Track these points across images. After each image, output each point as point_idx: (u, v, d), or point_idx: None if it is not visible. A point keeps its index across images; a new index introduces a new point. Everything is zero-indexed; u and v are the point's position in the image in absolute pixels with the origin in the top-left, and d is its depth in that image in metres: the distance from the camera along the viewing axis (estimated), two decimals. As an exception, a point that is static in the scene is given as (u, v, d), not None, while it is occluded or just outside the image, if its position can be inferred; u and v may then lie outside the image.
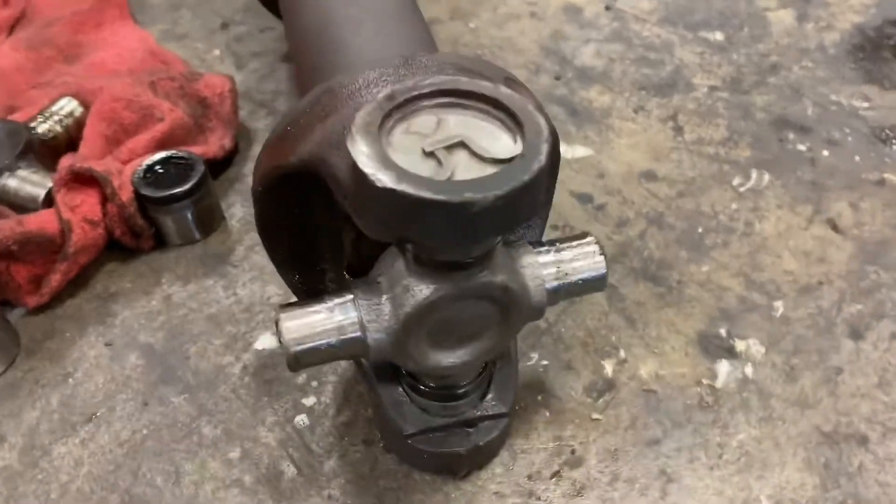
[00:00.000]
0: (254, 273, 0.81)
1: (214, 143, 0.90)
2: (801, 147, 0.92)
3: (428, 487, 0.64)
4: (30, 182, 0.80)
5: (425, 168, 0.45)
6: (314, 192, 0.60)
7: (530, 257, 0.57)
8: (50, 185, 0.79)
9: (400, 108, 0.48)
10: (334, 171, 0.49)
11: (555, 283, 0.57)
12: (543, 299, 0.56)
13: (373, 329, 0.53)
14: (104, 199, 0.79)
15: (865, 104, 0.98)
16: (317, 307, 0.54)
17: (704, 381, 0.70)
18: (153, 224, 0.82)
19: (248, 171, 0.92)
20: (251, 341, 0.74)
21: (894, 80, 1.02)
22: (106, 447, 0.67)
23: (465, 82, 0.49)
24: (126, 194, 0.78)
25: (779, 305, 0.76)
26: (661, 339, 0.73)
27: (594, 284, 0.59)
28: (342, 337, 0.53)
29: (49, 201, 0.79)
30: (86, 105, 0.89)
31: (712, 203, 0.86)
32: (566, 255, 0.58)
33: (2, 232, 0.72)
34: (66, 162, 0.86)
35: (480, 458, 0.64)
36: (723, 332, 0.74)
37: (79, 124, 0.88)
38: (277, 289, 0.78)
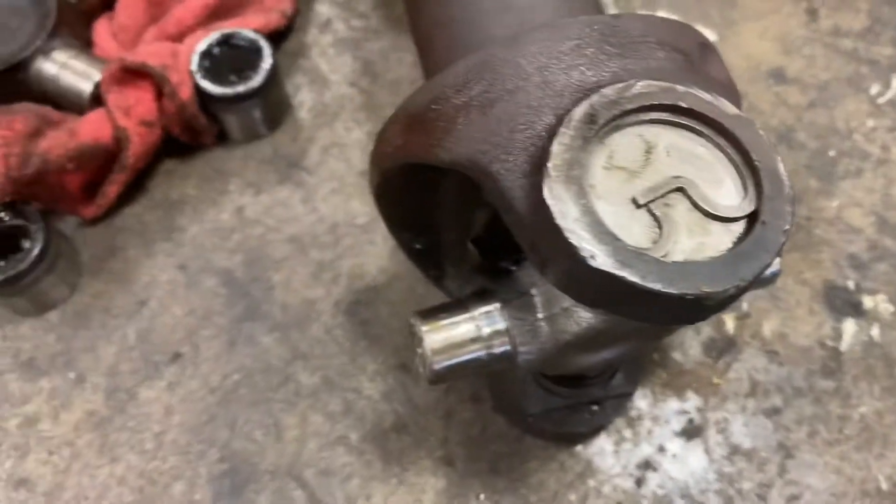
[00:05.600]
0: (333, 184, 0.72)
1: (273, 11, 0.76)
2: (952, 46, 0.80)
3: (542, 453, 0.62)
4: (72, 70, 0.68)
5: (640, 230, 0.37)
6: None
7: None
8: (96, 77, 0.67)
9: (602, 128, 0.38)
10: (502, 191, 0.40)
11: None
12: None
13: (524, 350, 0.47)
14: (159, 94, 0.68)
15: None
16: (460, 317, 0.48)
17: (828, 343, 0.66)
18: (214, 120, 0.71)
19: (311, 41, 0.79)
20: (340, 271, 0.68)
21: None
22: (196, 394, 0.63)
23: (682, 94, 0.39)
24: (186, 92, 0.67)
25: (913, 254, 0.70)
26: (786, 290, 0.68)
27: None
28: (491, 352, 0.48)
29: (96, 97, 0.67)
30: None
31: (847, 117, 0.76)
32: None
33: (56, 150, 0.62)
34: (102, 30, 0.73)
35: (599, 430, 0.62)
36: (851, 284, 0.68)
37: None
38: (362, 205, 0.70)
